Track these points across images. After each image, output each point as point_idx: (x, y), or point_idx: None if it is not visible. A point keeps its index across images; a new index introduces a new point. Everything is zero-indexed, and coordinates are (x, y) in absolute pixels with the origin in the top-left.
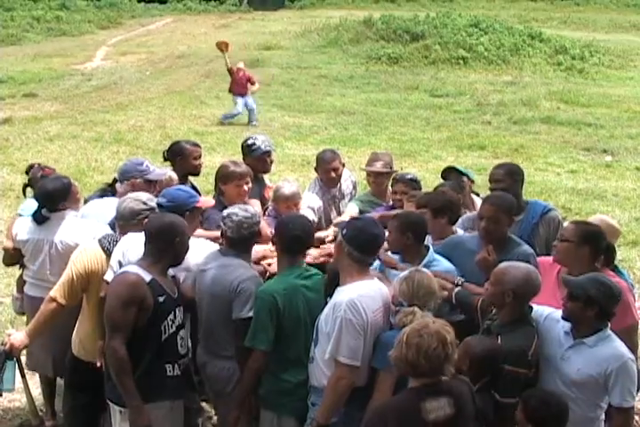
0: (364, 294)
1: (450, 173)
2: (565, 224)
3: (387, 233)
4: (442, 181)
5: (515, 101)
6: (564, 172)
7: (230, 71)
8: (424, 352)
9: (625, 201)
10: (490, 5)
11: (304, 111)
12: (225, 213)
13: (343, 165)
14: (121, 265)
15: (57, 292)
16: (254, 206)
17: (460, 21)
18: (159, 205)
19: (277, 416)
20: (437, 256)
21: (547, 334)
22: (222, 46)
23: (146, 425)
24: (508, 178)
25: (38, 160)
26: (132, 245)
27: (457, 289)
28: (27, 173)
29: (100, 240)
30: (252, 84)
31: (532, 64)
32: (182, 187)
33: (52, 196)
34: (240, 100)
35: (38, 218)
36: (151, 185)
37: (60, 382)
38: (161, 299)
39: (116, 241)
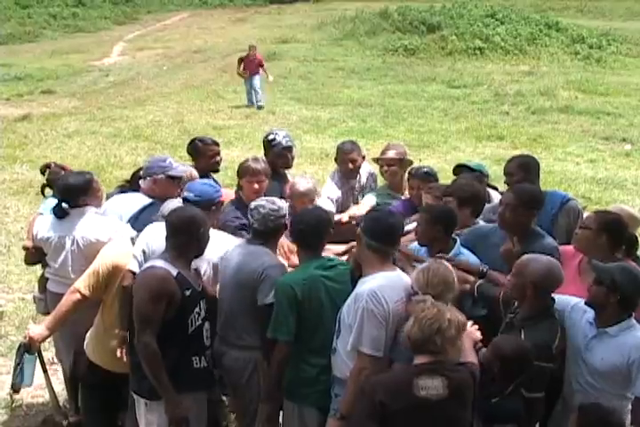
0: (385, 284)
1: (461, 170)
2: (585, 214)
3: (413, 225)
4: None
5: (532, 91)
6: (583, 161)
7: (240, 60)
8: (419, 322)
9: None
10: None
11: (322, 104)
12: (252, 205)
13: (363, 158)
14: (145, 254)
15: (81, 283)
16: None
17: (476, 12)
18: (186, 199)
19: (299, 407)
20: (463, 249)
21: (572, 324)
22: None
23: (184, 417)
24: (521, 171)
25: (57, 156)
26: (156, 235)
27: (479, 282)
28: (42, 172)
29: (132, 238)
30: (262, 66)
31: (550, 53)
32: (207, 181)
33: (73, 190)
34: (248, 80)
35: (58, 212)
36: (174, 181)
37: None
38: (187, 293)
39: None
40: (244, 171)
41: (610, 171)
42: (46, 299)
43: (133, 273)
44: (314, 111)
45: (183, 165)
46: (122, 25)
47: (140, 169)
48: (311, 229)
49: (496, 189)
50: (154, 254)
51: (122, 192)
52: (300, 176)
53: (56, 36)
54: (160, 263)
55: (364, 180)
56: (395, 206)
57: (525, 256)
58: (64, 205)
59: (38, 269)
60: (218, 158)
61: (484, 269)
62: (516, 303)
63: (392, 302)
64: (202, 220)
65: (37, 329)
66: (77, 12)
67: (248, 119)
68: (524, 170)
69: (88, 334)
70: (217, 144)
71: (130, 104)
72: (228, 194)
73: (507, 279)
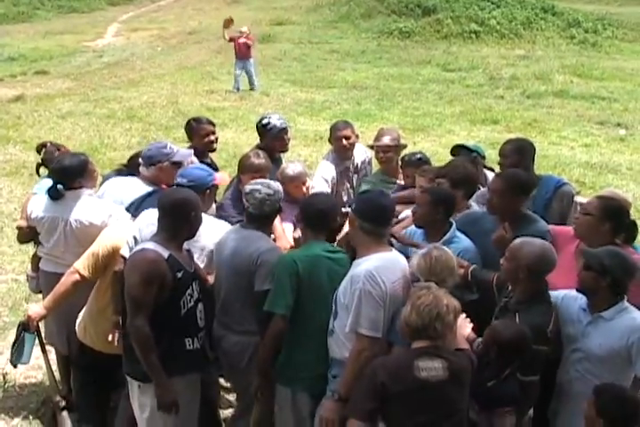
0: (381, 265)
1: (459, 150)
2: (578, 198)
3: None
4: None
5: (527, 75)
6: (577, 146)
7: (232, 40)
8: (417, 308)
9: (639, 175)
10: None
11: (316, 86)
12: (247, 188)
13: (357, 137)
14: (136, 241)
15: (80, 264)
16: None
17: None
18: (179, 184)
19: (292, 391)
20: (459, 233)
21: (566, 312)
22: (227, 23)
23: (173, 400)
24: (515, 154)
25: (51, 137)
26: (148, 221)
27: (473, 266)
28: (38, 151)
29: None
30: (248, 48)
31: (545, 38)
32: (199, 165)
33: (69, 172)
34: (238, 64)
35: (53, 194)
36: (177, 166)
37: None
38: (179, 274)
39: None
40: (246, 167)
41: (604, 155)
42: (38, 278)
43: (125, 258)
44: (308, 94)
45: (183, 149)
46: (116, 6)
47: (138, 154)
48: (321, 214)
49: (492, 170)
50: (145, 240)
51: (119, 175)
52: (288, 161)
53: (50, 16)
54: (151, 246)
55: (358, 161)
56: (393, 192)
57: (518, 240)
58: (59, 186)
59: (31, 249)
60: (212, 137)
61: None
62: (509, 287)
63: (389, 282)
64: (194, 202)
65: (36, 308)
66: None
67: (242, 101)
68: (518, 153)
69: (80, 316)
70: (212, 124)
71: (124, 85)
72: (222, 177)
73: (500, 263)
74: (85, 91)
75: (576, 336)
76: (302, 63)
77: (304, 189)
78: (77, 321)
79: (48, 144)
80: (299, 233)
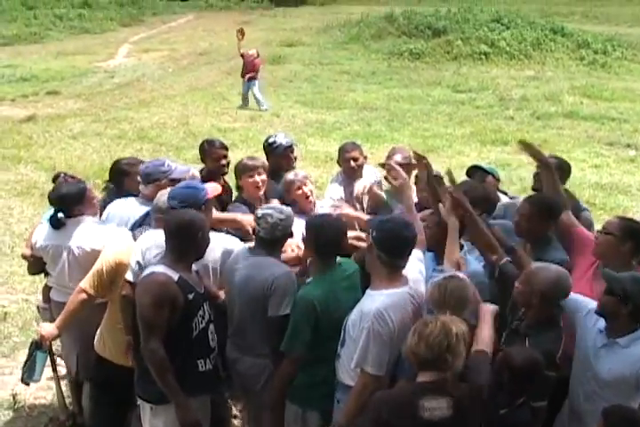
0: (390, 303)
1: (475, 171)
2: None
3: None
4: (465, 176)
5: (537, 96)
6: (587, 166)
7: (242, 56)
8: (425, 339)
9: None
10: (511, 0)
11: (327, 107)
12: (259, 213)
13: (365, 158)
14: (140, 265)
15: (86, 282)
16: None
17: (481, 16)
18: (173, 207)
19: (302, 410)
20: (468, 256)
21: (584, 329)
22: (239, 34)
23: (195, 420)
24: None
25: (62, 158)
26: (151, 245)
27: (504, 260)
28: (53, 181)
29: (134, 234)
30: (254, 71)
31: (555, 59)
32: (188, 182)
33: (67, 200)
34: (245, 84)
35: (54, 222)
36: (177, 183)
37: None
38: (190, 296)
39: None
40: (241, 169)
41: (614, 176)
42: (51, 308)
43: (131, 283)
44: (319, 115)
45: (182, 165)
46: (127, 27)
47: (117, 162)
48: (329, 239)
49: (506, 193)
50: (149, 264)
51: (116, 195)
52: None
53: (62, 37)
54: (160, 269)
55: (368, 182)
56: (402, 209)
57: (535, 264)
58: (59, 215)
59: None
60: (224, 162)
61: (511, 245)
62: (522, 310)
63: (398, 321)
64: (200, 222)
65: (48, 328)
66: (83, 14)
67: (253, 122)
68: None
69: (98, 331)
70: (225, 147)
71: (135, 106)
72: (213, 188)
73: (515, 286)
74: (97, 111)
75: (588, 357)
76: (313, 84)
77: (307, 192)
78: (96, 337)
79: (61, 175)
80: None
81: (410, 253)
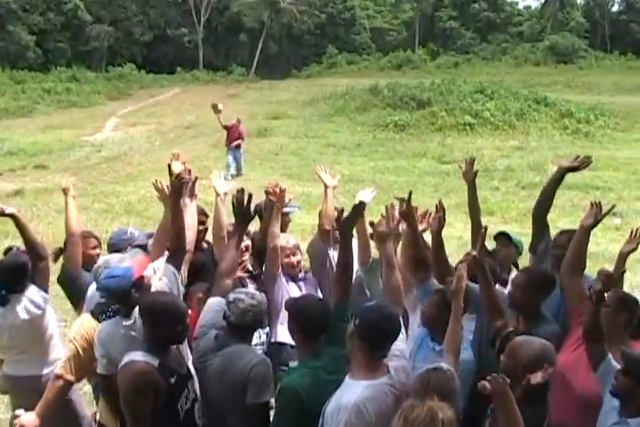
0: (369, 395)
1: (501, 238)
2: None
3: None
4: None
5: (522, 166)
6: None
7: (225, 128)
8: (411, 423)
9: (636, 264)
10: (494, 71)
11: (313, 180)
12: (231, 297)
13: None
14: (105, 359)
15: (63, 369)
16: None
17: (465, 88)
18: (102, 303)
19: None
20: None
21: (606, 406)
22: (214, 109)
23: None
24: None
25: (49, 232)
26: (111, 339)
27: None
28: (4, 254)
29: (92, 311)
30: (240, 138)
31: (539, 128)
32: (111, 270)
33: (9, 275)
34: (232, 151)
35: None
36: (142, 249)
37: None
38: (172, 380)
39: (107, 310)
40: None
41: (600, 245)
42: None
43: (103, 375)
44: (305, 187)
45: (142, 232)
46: (115, 100)
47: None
48: (314, 323)
49: (517, 267)
50: (115, 357)
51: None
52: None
53: (49, 110)
54: (139, 356)
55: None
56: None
57: (519, 338)
58: (3, 292)
59: None
60: (201, 228)
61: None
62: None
63: (374, 414)
64: (178, 310)
65: (29, 417)
66: (71, 88)
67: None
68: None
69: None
70: (205, 214)
71: (122, 180)
72: (138, 261)
73: (500, 360)
74: (84, 185)
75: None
76: (299, 157)
77: (294, 262)
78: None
79: (14, 248)
80: None
81: (391, 345)
